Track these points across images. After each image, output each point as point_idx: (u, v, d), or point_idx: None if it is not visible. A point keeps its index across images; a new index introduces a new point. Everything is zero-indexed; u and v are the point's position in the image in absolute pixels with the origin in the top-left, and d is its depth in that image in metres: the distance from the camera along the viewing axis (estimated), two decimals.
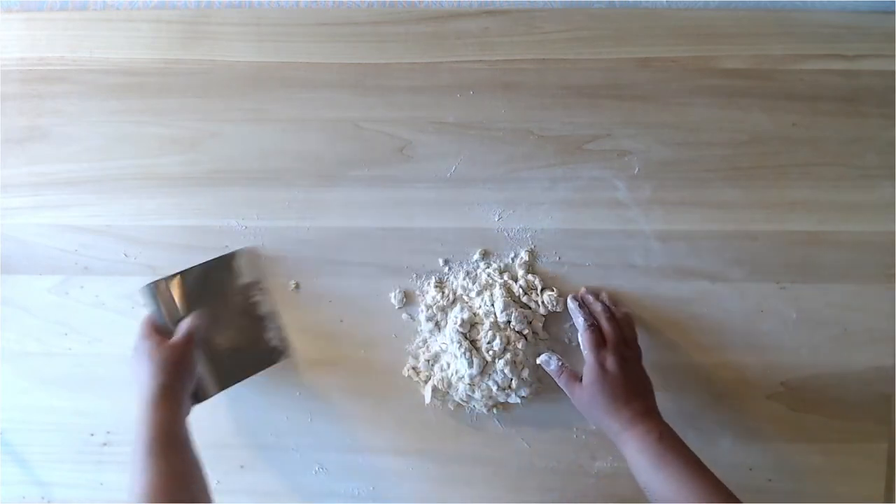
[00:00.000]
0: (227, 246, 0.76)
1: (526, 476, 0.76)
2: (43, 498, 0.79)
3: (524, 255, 0.75)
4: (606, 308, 0.72)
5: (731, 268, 0.75)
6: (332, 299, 0.76)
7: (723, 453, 0.76)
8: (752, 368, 0.75)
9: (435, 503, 0.77)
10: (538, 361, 0.71)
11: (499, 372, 0.72)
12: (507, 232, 0.76)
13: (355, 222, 0.76)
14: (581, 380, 0.68)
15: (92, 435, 0.78)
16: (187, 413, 0.68)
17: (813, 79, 0.75)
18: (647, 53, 0.75)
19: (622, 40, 0.75)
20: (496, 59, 0.75)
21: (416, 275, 0.76)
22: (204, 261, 0.74)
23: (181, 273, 0.73)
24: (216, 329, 0.73)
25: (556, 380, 0.70)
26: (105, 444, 0.78)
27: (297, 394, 0.77)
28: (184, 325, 0.70)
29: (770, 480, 0.76)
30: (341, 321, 0.76)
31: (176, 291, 0.72)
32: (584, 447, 0.77)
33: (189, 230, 0.77)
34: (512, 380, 0.72)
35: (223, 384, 0.73)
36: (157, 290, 0.71)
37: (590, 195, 0.76)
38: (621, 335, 0.70)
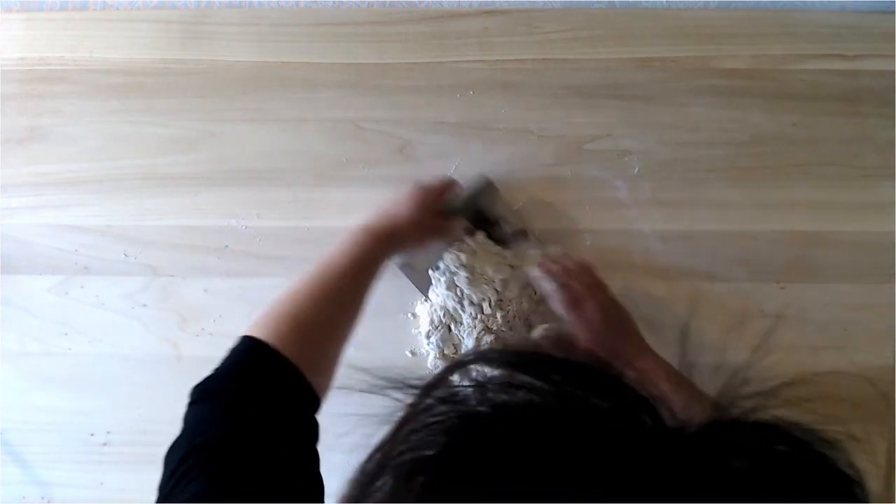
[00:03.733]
0: (227, 247, 0.76)
1: None
2: (43, 498, 0.79)
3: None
4: (564, 264, 0.70)
5: (731, 268, 0.75)
6: None
7: None
8: (752, 368, 0.75)
9: None
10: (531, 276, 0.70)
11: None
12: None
13: (355, 222, 0.76)
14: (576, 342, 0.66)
15: (92, 435, 0.78)
16: (390, 256, 0.66)
17: (813, 79, 0.75)
18: (647, 53, 0.75)
19: (622, 40, 0.75)
20: (496, 59, 0.75)
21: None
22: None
23: (489, 185, 0.74)
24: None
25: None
26: (105, 444, 0.78)
27: None
28: (458, 224, 0.71)
29: None
30: None
31: (477, 191, 0.73)
32: None
33: (189, 230, 0.77)
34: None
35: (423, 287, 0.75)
36: (481, 186, 0.73)
37: (590, 195, 0.76)
38: (586, 282, 0.68)
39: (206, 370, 0.77)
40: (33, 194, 0.77)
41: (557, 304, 0.67)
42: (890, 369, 0.75)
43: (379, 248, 0.64)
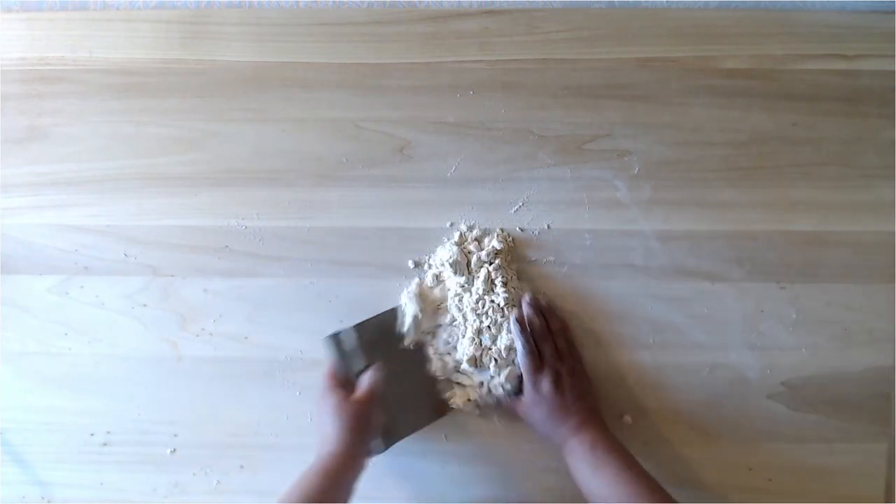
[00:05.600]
0: (227, 247, 0.77)
1: (526, 476, 0.76)
2: (43, 498, 0.79)
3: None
4: (544, 323, 0.72)
5: (731, 268, 0.75)
6: (332, 299, 0.76)
7: (723, 453, 0.76)
8: (752, 368, 0.75)
9: (435, 503, 0.77)
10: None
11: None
12: (508, 232, 0.76)
13: (355, 222, 0.76)
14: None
15: (92, 435, 0.78)
16: (363, 471, 0.67)
17: (813, 79, 0.75)
18: (647, 53, 0.75)
19: (622, 40, 0.75)
20: (496, 59, 0.75)
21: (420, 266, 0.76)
22: (379, 312, 0.74)
23: (360, 324, 0.72)
24: (388, 382, 0.71)
25: (507, 405, 0.73)
26: (105, 444, 0.78)
27: (298, 394, 0.77)
28: (366, 380, 0.70)
29: (770, 480, 0.76)
30: (341, 321, 0.76)
31: (355, 343, 0.71)
32: None
33: (189, 230, 0.77)
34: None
35: (393, 439, 0.73)
36: (339, 340, 0.71)
37: (590, 195, 0.76)
38: (556, 352, 0.72)
39: (205, 370, 0.77)
40: (33, 194, 0.77)
41: (521, 364, 0.71)
42: (890, 369, 0.75)
43: (345, 474, 0.65)
